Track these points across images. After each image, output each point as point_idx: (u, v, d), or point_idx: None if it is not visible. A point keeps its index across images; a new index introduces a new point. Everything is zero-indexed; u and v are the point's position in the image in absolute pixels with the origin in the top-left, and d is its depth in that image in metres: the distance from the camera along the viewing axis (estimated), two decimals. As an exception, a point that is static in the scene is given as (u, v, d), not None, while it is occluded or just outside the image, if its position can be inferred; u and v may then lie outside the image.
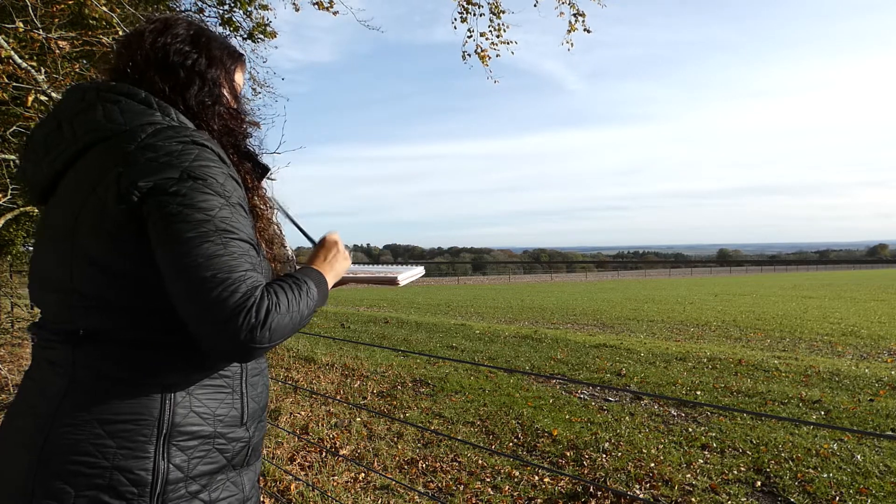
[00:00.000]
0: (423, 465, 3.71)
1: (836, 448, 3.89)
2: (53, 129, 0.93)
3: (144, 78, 0.95)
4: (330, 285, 1.04)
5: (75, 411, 0.81)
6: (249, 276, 0.79)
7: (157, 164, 0.82)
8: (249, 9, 5.37)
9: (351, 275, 1.19)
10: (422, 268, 1.35)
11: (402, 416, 4.85)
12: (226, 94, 1.04)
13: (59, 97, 2.96)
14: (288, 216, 1.19)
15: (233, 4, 5.35)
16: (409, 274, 1.26)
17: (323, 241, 1.09)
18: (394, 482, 3.31)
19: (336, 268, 1.06)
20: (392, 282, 1.21)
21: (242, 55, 1.10)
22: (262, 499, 2.50)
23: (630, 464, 3.69)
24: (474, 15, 6.03)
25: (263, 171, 1.06)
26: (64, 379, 0.83)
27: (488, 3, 5.98)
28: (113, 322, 0.84)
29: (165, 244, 0.80)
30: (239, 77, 1.09)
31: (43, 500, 0.78)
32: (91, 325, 0.84)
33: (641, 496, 3.26)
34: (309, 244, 1.14)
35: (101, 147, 0.87)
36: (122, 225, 0.82)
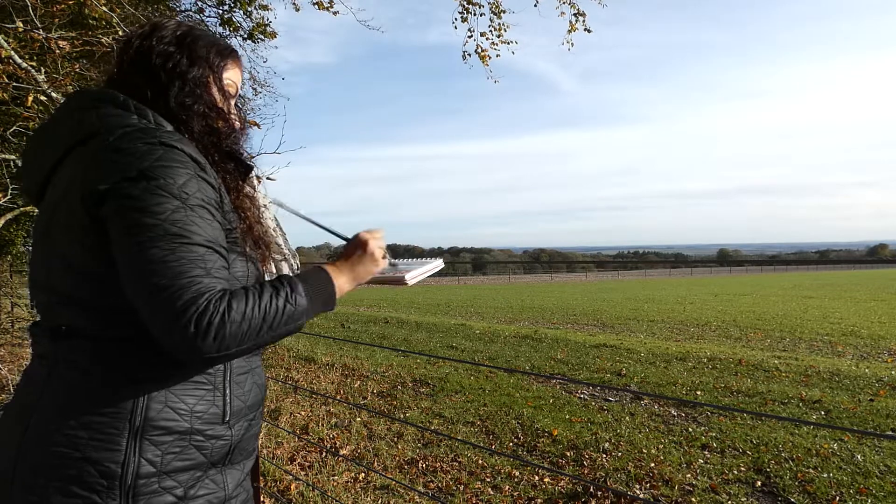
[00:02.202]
0: (423, 465, 3.71)
1: (836, 448, 3.89)
2: (44, 135, 0.96)
3: (129, 82, 0.96)
4: (346, 288, 1.02)
5: (52, 404, 0.84)
6: (197, 282, 0.77)
7: (117, 166, 0.83)
8: (249, 9, 5.38)
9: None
10: (439, 261, 1.24)
11: (402, 416, 4.86)
12: (212, 92, 1.02)
13: (59, 97, 2.96)
14: (309, 220, 1.16)
15: (233, 4, 5.35)
16: (421, 271, 1.17)
17: (353, 239, 1.06)
18: (394, 482, 3.31)
19: (358, 270, 1.03)
20: (400, 282, 1.12)
21: (234, 51, 1.07)
22: (262, 499, 2.50)
23: (630, 464, 3.69)
24: (475, 15, 6.04)
25: (246, 169, 1.04)
26: (46, 373, 0.87)
27: (489, 3, 5.99)
28: (87, 319, 0.86)
29: (117, 247, 0.81)
30: (233, 74, 1.06)
31: (20, 488, 0.82)
32: (69, 322, 0.86)
33: (641, 496, 3.26)
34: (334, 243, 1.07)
35: (77, 151, 0.90)
36: (86, 226, 0.83)
